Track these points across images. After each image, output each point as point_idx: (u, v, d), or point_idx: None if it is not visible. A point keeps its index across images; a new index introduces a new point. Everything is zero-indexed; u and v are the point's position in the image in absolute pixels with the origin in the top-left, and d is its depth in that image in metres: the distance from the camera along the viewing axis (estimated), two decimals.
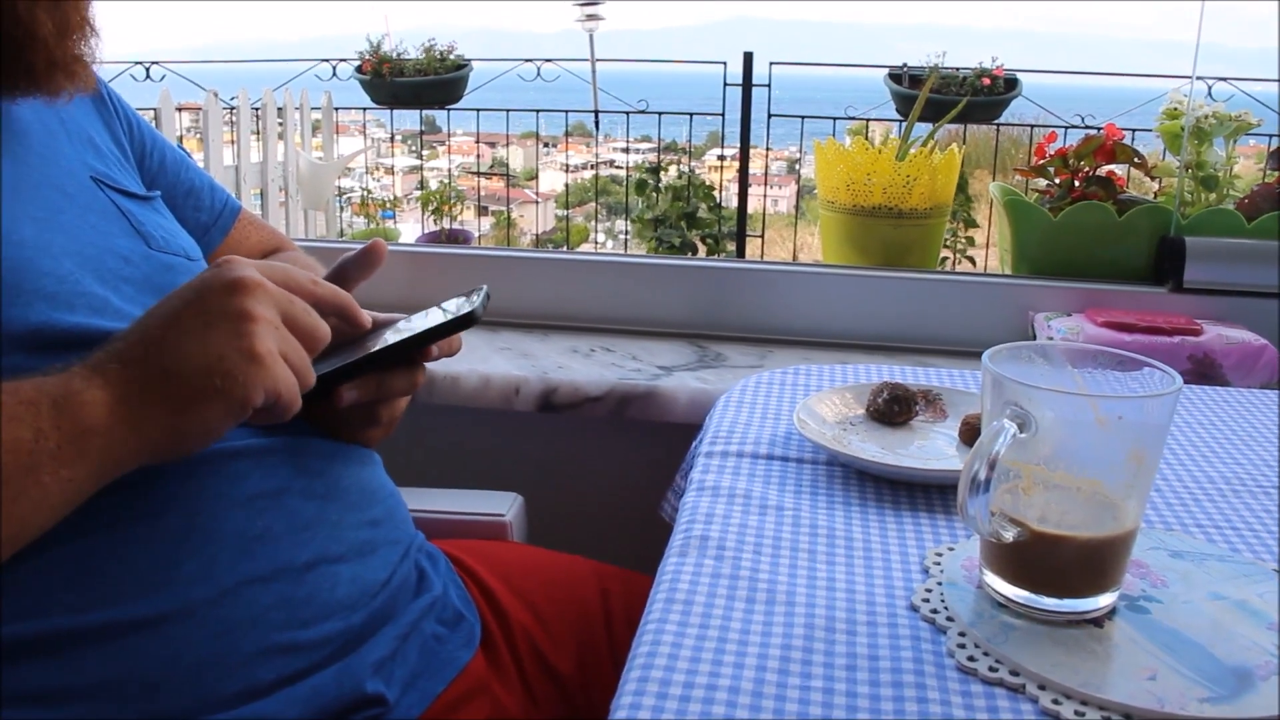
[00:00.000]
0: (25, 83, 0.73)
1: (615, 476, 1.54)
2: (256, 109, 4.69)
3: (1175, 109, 1.58)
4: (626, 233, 3.94)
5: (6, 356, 0.65)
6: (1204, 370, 1.34)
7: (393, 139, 5.55)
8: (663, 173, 3.65)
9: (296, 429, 0.79)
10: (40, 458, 0.59)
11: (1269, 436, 1.00)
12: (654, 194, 3.67)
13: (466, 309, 0.76)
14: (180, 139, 4.43)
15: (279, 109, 4.84)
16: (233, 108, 4.55)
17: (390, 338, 0.78)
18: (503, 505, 1.09)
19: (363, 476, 0.82)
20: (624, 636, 0.91)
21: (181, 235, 0.88)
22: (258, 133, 4.73)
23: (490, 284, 0.81)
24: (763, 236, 4.15)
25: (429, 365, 0.83)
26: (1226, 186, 1.57)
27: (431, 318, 0.78)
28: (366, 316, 0.78)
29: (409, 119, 4.69)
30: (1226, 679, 0.60)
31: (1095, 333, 1.38)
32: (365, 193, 5.36)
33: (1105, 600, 0.67)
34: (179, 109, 4.39)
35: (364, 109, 4.64)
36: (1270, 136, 2.37)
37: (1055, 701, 0.59)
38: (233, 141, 4.59)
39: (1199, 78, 1.63)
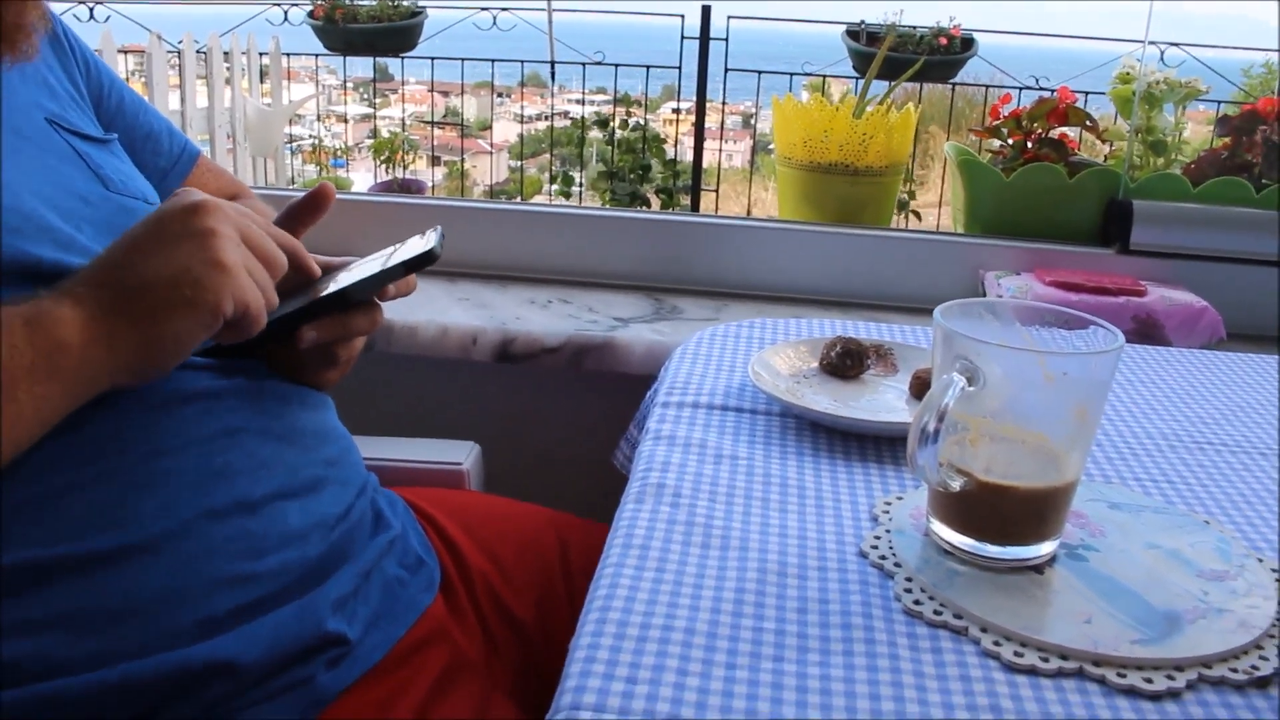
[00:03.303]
0: None
1: (572, 426, 1.55)
2: (202, 53, 4.59)
3: (1128, 74, 1.60)
4: (581, 185, 3.92)
5: None
6: (1147, 330, 1.38)
7: (345, 86, 5.46)
8: (613, 125, 3.62)
9: (254, 372, 0.79)
10: (16, 374, 0.60)
11: (1206, 395, 1.03)
12: (609, 147, 3.65)
13: (424, 248, 0.76)
14: (125, 82, 4.32)
15: (225, 53, 4.74)
16: (178, 51, 4.45)
17: (350, 278, 0.78)
18: (460, 454, 1.10)
19: (316, 419, 0.83)
20: (581, 583, 0.93)
21: (139, 178, 0.88)
22: (204, 77, 4.63)
23: (448, 234, 0.81)
24: (717, 191, 4.15)
25: (388, 313, 0.84)
26: (1175, 151, 1.60)
27: (389, 257, 0.79)
28: (315, 265, 0.80)
29: (362, 66, 4.62)
30: (1157, 622, 0.63)
31: (1043, 291, 1.41)
32: (316, 140, 5.28)
33: (1046, 548, 0.69)
34: (122, 51, 4.28)
35: (316, 55, 4.56)
36: (1218, 103, 2.41)
37: (996, 643, 0.61)
38: (178, 86, 4.49)
39: (1151, 42, 1.65)
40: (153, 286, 0.64)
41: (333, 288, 0.77)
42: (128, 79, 4.48)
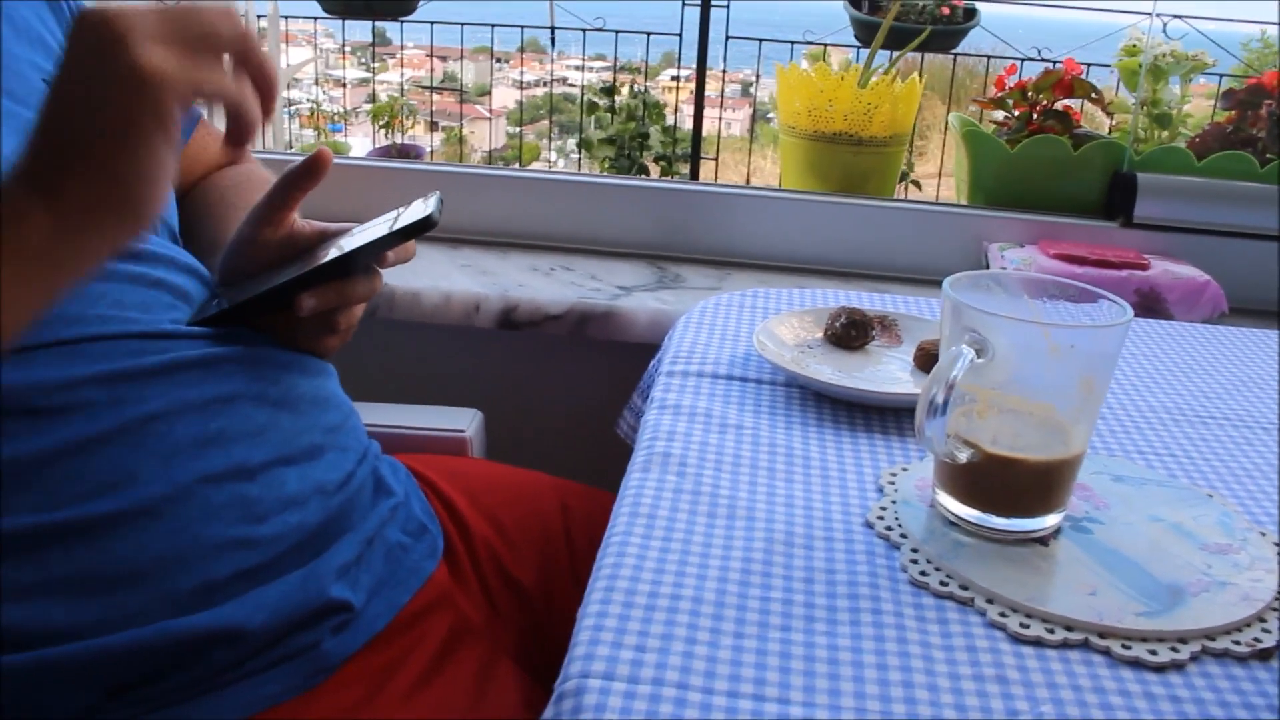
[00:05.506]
0: None
1: (574, 394, 1.55)
2: None
3: (1134, 46, 1.60)
4: (580, 152, 3.90)
5: None
6: (1149, 304, 1.38)
7: (343, 50, 5.41)
8: (616, 94, 3.60)
9: (252, 340, 0.79)
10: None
11: (1209, 369, 1.03)
12: (609, 114, 3.63)
13: (423, 213, 0.75)
14: None
15: None
16: None
17: (349, 244, 0.78)
18: (463, 421, 1.10)
19: (316, 386, 0.83)
20: (584, 550, 0.93)
21: None
22: None
23: (449, 201, 0.80)
24: (716, 160, 4.12)
25: (389, 280, 0.83)
26: (1179, 125, 1.60)
27: (389, 224, 0.78)
28: (267, 59, 0.68)
29: (360, 30, 4.59)
30: (1161, 595, 0.63)
31: (1047, 264, 1.40)
32: (314, 105, 5.25)
33: (1051, 520, 0.70)
34: None
35: (314, 18, 4.52)
36: (1222, 76, 2.40)
37: (1002, 614, 0.62)
38: None
39: (1157, 15, 1.64)
40: (91, 135, 0.58)
41: (332, 254, 0.77)
42: None
